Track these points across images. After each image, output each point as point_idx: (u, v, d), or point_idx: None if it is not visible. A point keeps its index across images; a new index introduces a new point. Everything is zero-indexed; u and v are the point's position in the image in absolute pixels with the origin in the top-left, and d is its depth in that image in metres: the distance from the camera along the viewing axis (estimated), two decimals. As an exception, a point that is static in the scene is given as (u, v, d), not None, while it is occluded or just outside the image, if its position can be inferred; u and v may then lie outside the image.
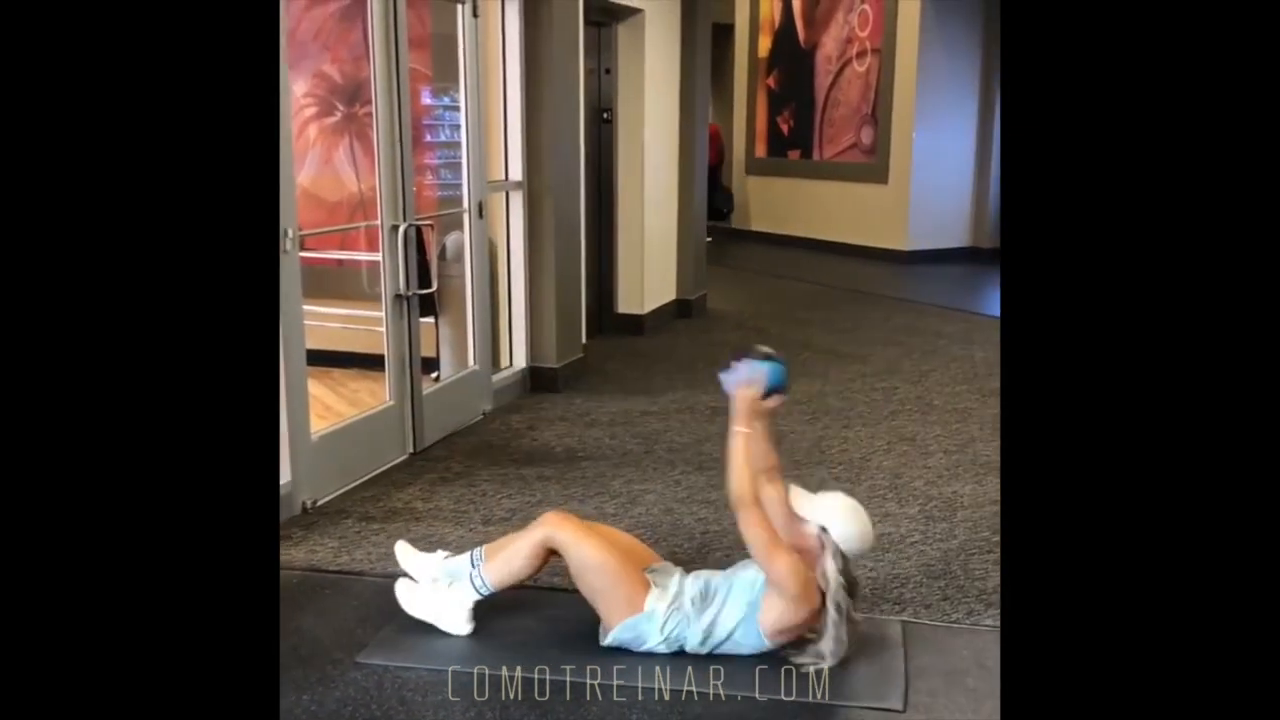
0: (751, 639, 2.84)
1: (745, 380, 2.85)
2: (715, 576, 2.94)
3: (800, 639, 2.83)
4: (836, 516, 2.79)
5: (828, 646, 2.77)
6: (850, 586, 2.78)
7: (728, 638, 2.85)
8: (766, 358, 2.89)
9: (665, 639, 2.86)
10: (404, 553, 3.22)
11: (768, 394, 2.86)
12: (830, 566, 2.74)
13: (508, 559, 2.97)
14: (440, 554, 3.17)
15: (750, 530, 2.76)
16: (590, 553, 2.86)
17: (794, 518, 2.82)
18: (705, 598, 2.87)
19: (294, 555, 3.57)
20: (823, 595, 2.77)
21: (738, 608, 2.84)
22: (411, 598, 3.05)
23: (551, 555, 2.94)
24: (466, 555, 3.09)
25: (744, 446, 2.81)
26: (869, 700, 2.72)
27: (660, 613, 2.85)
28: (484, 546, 3.08)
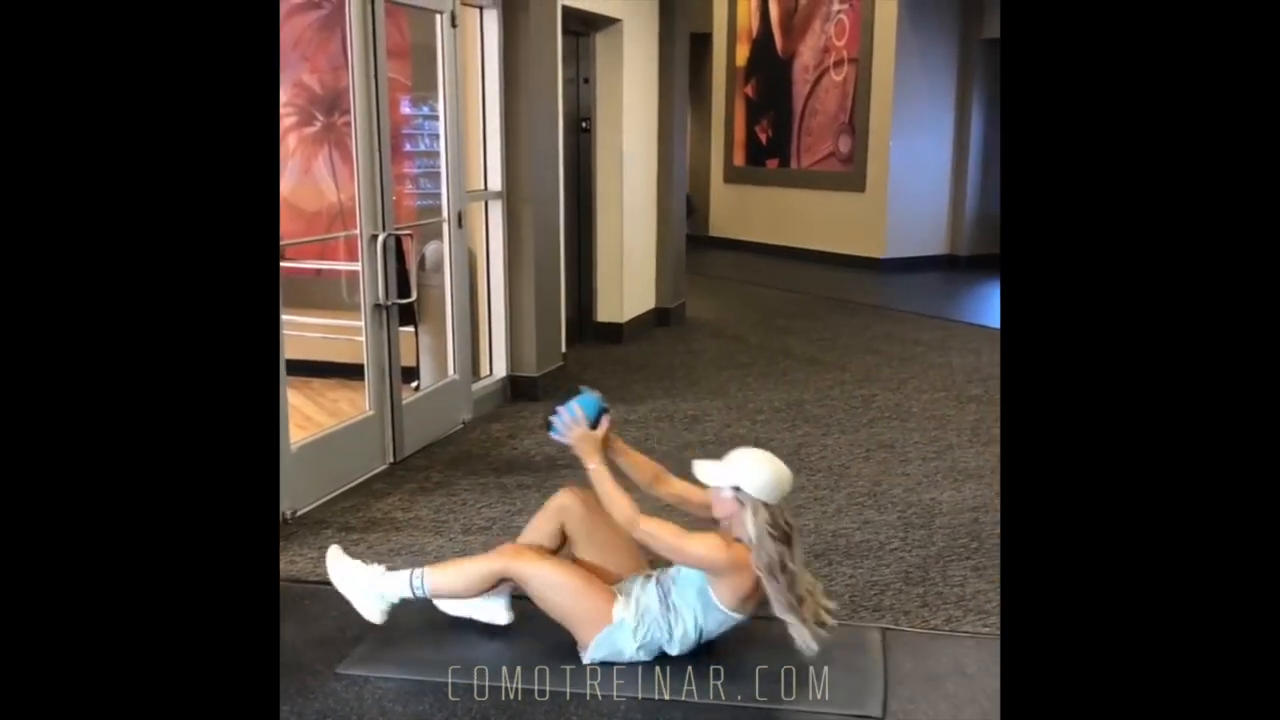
0: (716, 621, 2.83)
1: (569, 424, 2.91)
2: (665, 576, 2.93)
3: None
4: (744, 471, 2.75)
5: (781, 612, 2.72)
6: (786, 535, 2.73)
7: (700, 634, 2.86)
8: (577, 395, 2.97)
9: (642, 645, 2.86)
10: (335, 562, 3.06)
11: (595, 424, 2.92)
12: (750, 524, 2.71)
13: (455, 574, 2.95)
14: (379, 568, 3.03)
15: (653, 541, 2.79)
16: (549, 574, 2.87)
17: (710, 494, 2.81)
18: (664, 600, 2.87)
19: (273, 566, 3.55)
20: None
21: (689, 601, 2.83)
22: (341, 568, 3.00)
23: (502, 583, 2.94)
24: (405, 573, 2.98)
25: (604, 478, 2.86)
26: (847, 707, 2.73)
27: (629, 620, 2.85)
28: (425, 569, 2.99)
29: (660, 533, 2.78)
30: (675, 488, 3.04)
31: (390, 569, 3.02)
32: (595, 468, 2.87)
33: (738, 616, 2.83)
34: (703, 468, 2.81)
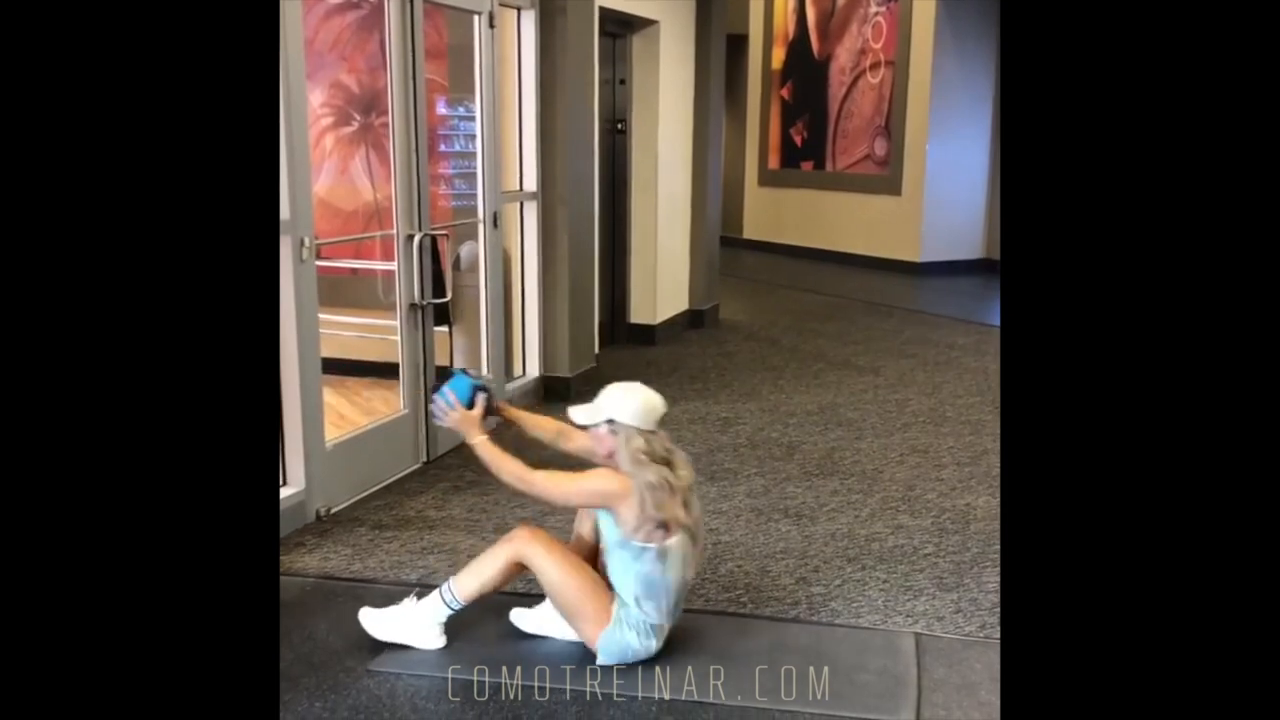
0: (637, 557, 2.81)
1: (445, 409, 2.97)
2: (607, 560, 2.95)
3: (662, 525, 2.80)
4: (614, 403, 2.83)
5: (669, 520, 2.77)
6: (666, 459, 2.81)
7: (643, 583, 2.82)
8: (447, 379, 3.03)
9: (633, 628, 2.84)
10: (368, 618, 3.05)
11: (471, 404, 2.98)
12: (624, 452, 2.78)
13: (477, 573, 2.94)
14: (409, 601, 3.04)
15: (549, 491, 2.87)
16: (554, 573, 2.86)
17: (593, 437, 2.88)
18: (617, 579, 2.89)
19: (307, 563, 3.58)
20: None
21: (617, 559, 2.84)
22: (377, 622, 3.02)
23: (522, 569, 2.93)
24: (435, 594, 2.99)
25: (487, 448, 2.92)
26: (881, 713, 2.71)
27: (625, 617, 2.85)
28: (449, 580, 2.99)
29: (552, 481, 2.86)
30: (580, 440, 3.05)
31: (418, 595, 3.02)
32: (478, 442, 2.92)
33: (651, 546, 2.79)
34: (576, 411, 2.91)
